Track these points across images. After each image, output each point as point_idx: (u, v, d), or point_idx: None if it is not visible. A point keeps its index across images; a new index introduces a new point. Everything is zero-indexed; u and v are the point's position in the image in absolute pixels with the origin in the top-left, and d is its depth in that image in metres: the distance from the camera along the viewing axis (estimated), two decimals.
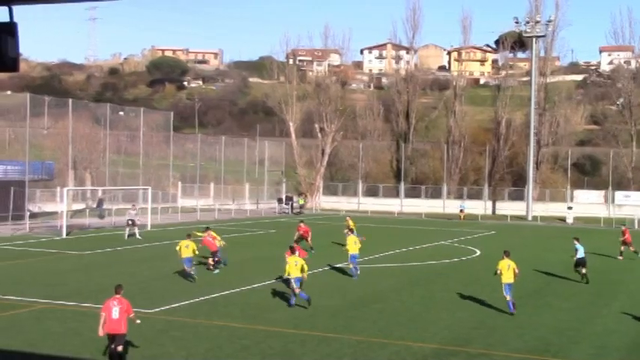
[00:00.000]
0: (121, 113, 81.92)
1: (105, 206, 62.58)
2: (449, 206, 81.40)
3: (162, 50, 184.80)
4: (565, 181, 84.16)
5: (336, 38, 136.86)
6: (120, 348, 16.02)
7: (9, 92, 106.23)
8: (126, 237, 44.85)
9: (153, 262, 34.05)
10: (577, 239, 31.63)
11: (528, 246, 46.27)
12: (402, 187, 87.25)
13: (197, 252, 29.19)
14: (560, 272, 32.70)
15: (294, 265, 23.56)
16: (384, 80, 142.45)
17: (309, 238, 40.36)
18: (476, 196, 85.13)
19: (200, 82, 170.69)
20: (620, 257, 39.90)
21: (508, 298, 23.19)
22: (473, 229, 59.88)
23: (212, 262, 31.07)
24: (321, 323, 21.43)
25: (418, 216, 76.45)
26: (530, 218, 75.44)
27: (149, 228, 50.91)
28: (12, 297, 23.78)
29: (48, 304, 23.15)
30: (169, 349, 18.32)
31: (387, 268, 34.51)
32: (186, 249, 28.52)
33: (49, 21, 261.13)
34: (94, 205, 62.93)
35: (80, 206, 64.85)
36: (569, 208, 74.38)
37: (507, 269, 23.48)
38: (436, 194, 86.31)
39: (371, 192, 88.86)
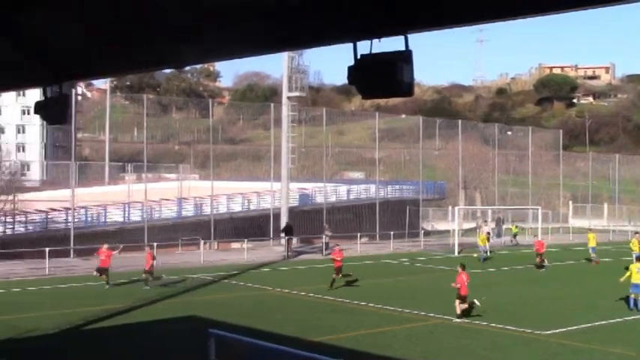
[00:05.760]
0: (509, 133, 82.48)
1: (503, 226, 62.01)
2: None
3: (550, 68, 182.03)
4: None
5: None
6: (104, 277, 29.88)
7: (403, 116, 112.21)
8: (488, 253, 44.36)
9: (546, 283, 33.39)
10: None
11: None
12: None
13: None
14: None
15: None
16: None
17: None
18: None
19: (590, 99, 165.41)
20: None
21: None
22: None
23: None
24: None
25: None
26: None
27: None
28: (409, 310, 24.82)
29: (442, 319, 23.73)
30: None
31: None
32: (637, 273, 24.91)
33: (440, 47, 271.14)
34: (494, 225, 61.28)
35: (470, 225, 66.02)
36: None
37: (637, 272, 25.01)
38: None
39: None
